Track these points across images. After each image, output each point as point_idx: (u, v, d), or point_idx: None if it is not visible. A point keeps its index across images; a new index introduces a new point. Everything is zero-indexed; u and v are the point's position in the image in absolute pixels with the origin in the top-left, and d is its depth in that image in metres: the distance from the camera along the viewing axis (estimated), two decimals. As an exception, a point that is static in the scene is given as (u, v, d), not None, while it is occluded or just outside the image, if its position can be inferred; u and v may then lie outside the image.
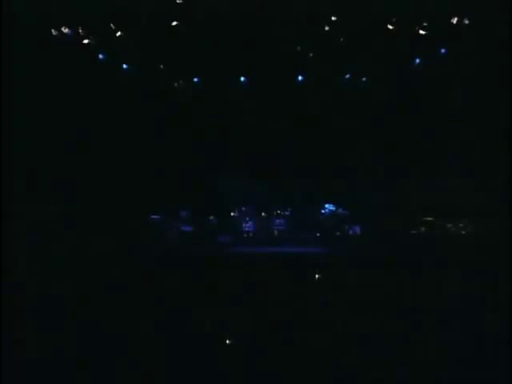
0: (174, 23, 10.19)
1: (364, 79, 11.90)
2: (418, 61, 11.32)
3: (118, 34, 10.49)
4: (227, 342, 4.37)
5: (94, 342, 4.17)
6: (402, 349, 4.14)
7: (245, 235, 11.41)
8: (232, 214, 11.69)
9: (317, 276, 7.15)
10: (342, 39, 10.93)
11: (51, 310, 4.96)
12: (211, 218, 11.22)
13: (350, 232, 11.08)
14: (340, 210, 11.39)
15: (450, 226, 10.83)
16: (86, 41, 10.59)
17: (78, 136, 11.04)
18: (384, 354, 4.01)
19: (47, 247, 8.01)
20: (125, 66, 11.24)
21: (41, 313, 4.85)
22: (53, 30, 10.23)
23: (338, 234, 11.03)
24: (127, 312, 5.21)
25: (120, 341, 4.28)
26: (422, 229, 11.14)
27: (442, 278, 6.68)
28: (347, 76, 11.87)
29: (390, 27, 10.50)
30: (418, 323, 4.70)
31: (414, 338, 4.35)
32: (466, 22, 9.95)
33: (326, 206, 11.52)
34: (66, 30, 10.37)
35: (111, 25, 10.26)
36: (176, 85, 11.71)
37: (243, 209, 11.69)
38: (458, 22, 9.99)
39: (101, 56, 11.01)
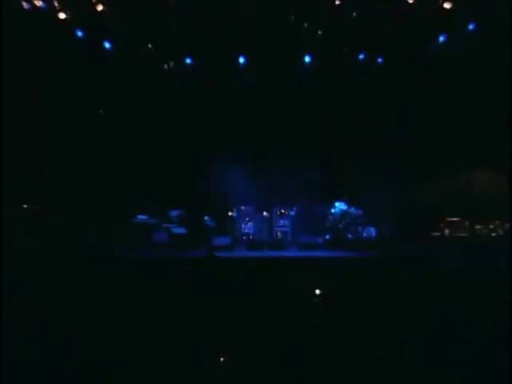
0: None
1: (380, 61, 11.15)
2: (442, 39, 10.45)
3: (100, 8, 9.67)
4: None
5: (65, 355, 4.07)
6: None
7: (244, 238, 11.18)
8: (230, 213, 11.45)
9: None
10: (354, 13, 10.02)
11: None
12: (206, 218, 10.91)
13: (364, 234, 10.68)
14: (352, 209, 10.88)
15: (479, 227, 10.23)
16: (62, 15, 9.71)
17: (52, 127, 10.44)
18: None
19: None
20: (107, 44, 10.55)
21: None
22: (23, 3, 9.39)
23: (350, 236, 10.65)
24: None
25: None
26: (446, 230, 10.55)
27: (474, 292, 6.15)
28: (361, 56, 11.10)
29: (411, 1, 9.65)
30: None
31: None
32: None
33: (337, 204, 10.98)
34: (39, 3, 9.53)
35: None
36: (166, 67, 11.12)
37: (242, 208, 11.47)
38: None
39: (79, 33, 10.19)
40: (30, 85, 9.92)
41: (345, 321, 5.13)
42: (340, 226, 10.70)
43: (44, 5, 9.61)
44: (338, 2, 9.76)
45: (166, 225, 10.73)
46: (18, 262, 7.19)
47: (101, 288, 6.55)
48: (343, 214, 10.77)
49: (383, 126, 10.99)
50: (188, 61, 11.14)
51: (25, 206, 9.46)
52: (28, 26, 9.68)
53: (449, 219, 10.59)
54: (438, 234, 10.60)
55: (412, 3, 9.55)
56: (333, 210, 10.93)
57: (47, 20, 9.72)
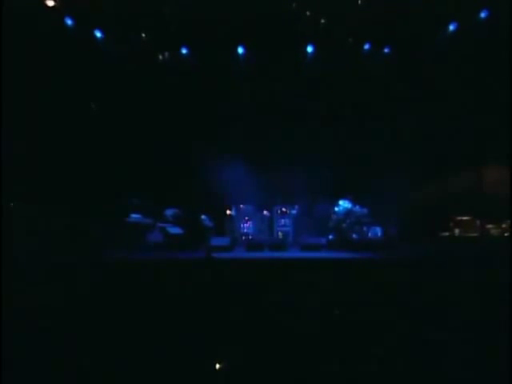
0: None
1: (386, 50, 10.83)
2: (453, 27, 10.10)
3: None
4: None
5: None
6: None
7: (243, 238, 11.11)
8: (228, 212, 11.37)
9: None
10: (359, 1, 9.65)
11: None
12: (204, 217, 10.53)
13: (370, 235, 10.37)
14: (357, 208, 10.58)
15: (490, 226, 9.93)
16: (50, 2, 9.38)
17: (39, 121, 10.08)
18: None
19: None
20: (98, 33, 10.22)
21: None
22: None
23: (354, 236, 10.34)
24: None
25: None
26: (456, 230, 10.28)
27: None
28: (366, 47, 10.81)
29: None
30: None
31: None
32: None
33: (341, 202, 10.69)
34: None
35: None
36: (160, 58, 10.84)
37: (241, 206, 11.39)
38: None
39: (69, 21, 9.87)
40: (15, 77, 9.55)
41: (349, 327, 5.03)
42: (344, 225, 10.46)
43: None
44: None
45: (160, 224, 10.51)
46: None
47: (89, 295, 6.38)
48: (347, 212, 10.53)
49: (390, 121, 10.84)
50: (184, 51, 10.87)
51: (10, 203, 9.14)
52: (15, 13, 9.27)
53: (459, 218, 10.35)
54: (447, 234, 10.36)
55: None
56: (336, 209, 10.68)
57: (35, 8, 9.33)
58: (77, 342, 4.50)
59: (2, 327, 4.50)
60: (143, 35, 10.31)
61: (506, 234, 9.82)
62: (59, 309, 5.62)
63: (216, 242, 10.02)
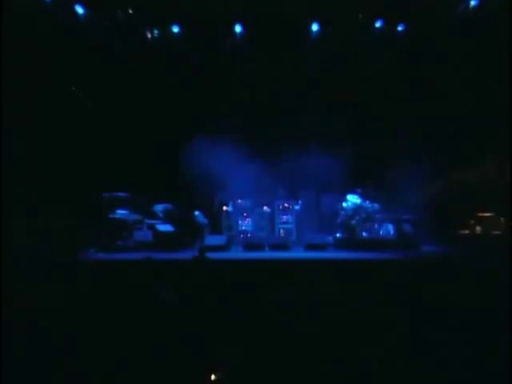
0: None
1: (400, 29, 10.43)
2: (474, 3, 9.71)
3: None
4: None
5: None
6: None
7: (241, 236, 10.97)
8: (225, 207, 11.17)
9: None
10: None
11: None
12: (197, 213, 10.47)
13: (381, 233, 10.17)
14: (367, 203, 10.27)
15: None
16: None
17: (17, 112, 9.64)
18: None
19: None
20: (80, 9, 9.84)
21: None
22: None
23: (364, 235, 10.16)
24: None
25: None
26: (478, 228, 9.89)
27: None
28: (378, 25, 10.38)
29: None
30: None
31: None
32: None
33: (349, 197, 10.35)
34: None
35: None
36: (149, 36, 10.44)
37: (239, 201, 11.24)
38: None
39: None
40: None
41: (355, 332, 4.94)
42: (353, 222, 10.10)
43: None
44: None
45: (149, 221, 10.41)
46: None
47: (67, 300, 6.16)
48: (357, 208, 10.17)
49: (408, 105, 10.53)
50: (175, 29, 10.48)
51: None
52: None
53: (480, 215, 9.92)
54: (467, 232, 9.96)
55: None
56: (345, 204, 10.32)
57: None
58: (75, 343, 4.60)
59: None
60: (130, 11, 9.89)
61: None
62: (51, 310, 5.63)
63: (211, 240, 9.92)
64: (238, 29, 10.43)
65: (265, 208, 11.03)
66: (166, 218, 10.40)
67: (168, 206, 10.58)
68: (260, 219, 11.01)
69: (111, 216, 9.97)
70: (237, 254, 9.70)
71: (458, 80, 10.22)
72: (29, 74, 9.58)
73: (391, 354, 4.35)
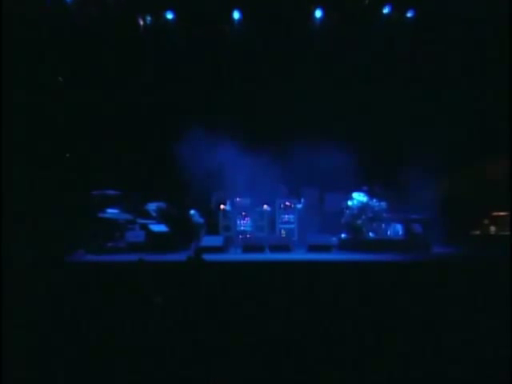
0: None
1: (410, 15, 10.24)
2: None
3: None
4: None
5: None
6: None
7: (240, 237, 10.87)
8: (222, 206, 11.09)
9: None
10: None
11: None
12: (193, 212, 10.09)
13: (389, 233, 10.14)
14: (374, 202, 10.19)
15: None
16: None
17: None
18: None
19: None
20: None
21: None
22: None
23: (371, 235, 10.11)
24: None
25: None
26: (492, 228, 9.80)
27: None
28: (386, 10, 10.21)
29: None
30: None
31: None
32: None
33: (355, 195, 10.25)
34: None
35: None
36: (141, 23, 10.25)
37: (238, 199, 11.16)
38: None
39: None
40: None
41: (365, 345, 4.79)
42: (359, 222, 10.11)
43: None
44: None
45: (142, 221, 10.40)
46: None
47: (52, 304, 6.06)
48: (363, 207, 10.16)
49: (418, 96, 10.44)
50: (169, 16, 10.30)
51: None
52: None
53: (495, 214, 9.87)
54: (480, 232, 9.93)
55: None
56: (350, 203, 10.28)
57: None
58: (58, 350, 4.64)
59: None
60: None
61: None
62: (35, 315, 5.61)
63: (207, 241, 9.87)
64: (236, 15, 10.25)
65: (265, 207, 11.00)
66: (160, 218, 10.39)
67: (162, 204, 10.54)
68: (260, 219, 10.99)
69: (101, 215, 9.90)
70: (235, 255, 9.72)
71: (472, 71, 10.05)
72: (14, 65, 9.28)
73: (401, 363, 4.29)
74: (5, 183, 8.89)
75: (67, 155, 9.78)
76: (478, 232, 9.94)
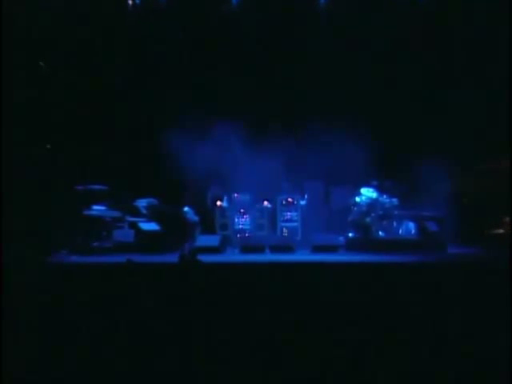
0: None
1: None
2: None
3: None
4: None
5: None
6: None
7: (238, 236, 10.71)
8: (219, 203, 10.91)
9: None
10: None
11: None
12: (187, 209, 10.14)
13: (401, 232, 10.03)
14: (385, 198, 10.07)
15: None
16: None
17: None
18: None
19: None
20: None
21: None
22: None
23: (381, 234, 9.99)
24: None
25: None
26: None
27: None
28: None
29: None
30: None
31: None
32: None
33: (364, 191, 10.09)
34: None
35: None
36: (130, 3, 10.25)
37: (236, 195, 10.97)
38: None
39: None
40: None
41: (374, 355, 4.57)
42: (368, 220, 9.99)
43: None
44: None
45: (131, 218, 10.38)
46: None
47: (33, 309, 5.81)
48: (372, 204, 10.04)
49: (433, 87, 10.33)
50: None
51: None
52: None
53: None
54: (500, 231, 9.72)
55: None
56: (358, 199, 10.15)
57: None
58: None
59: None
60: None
61: None
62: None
63: (203, 241, 9.92)
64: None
65: (265, 203, 10.80)
66: (151, 215, 10.36)
67: (153, 200, 10.53)
68: (260, 216, 10.80)
69: (86, 213, 9.85)
70: (233, 256, 9.76)
71: (492, 60, 9.90)
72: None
73: (414, 370, 4.10)
74: None
75: (48, 146, 9.57)
76: (498, 231, 9.75)
